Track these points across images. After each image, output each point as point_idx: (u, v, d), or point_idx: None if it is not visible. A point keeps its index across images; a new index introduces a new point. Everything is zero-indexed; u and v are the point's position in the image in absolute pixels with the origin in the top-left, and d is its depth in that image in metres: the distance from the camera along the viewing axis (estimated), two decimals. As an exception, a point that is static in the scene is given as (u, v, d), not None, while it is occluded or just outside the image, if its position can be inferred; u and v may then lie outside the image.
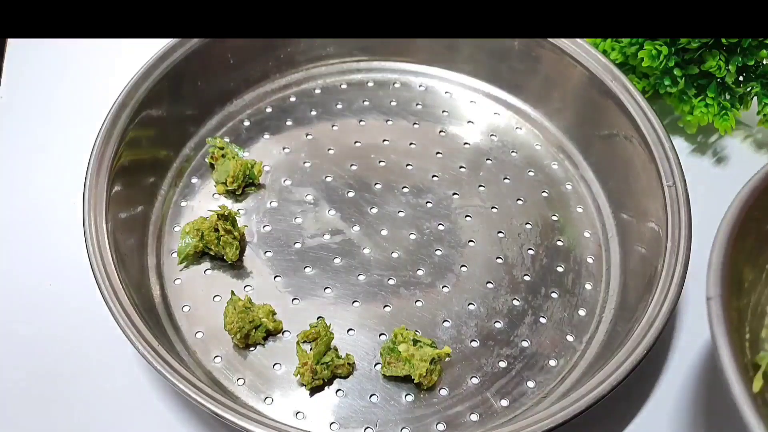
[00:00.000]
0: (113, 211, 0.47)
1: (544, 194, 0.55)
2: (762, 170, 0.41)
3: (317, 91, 0.60)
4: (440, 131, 0.58)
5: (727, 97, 0.55)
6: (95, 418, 0.44)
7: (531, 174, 0.56)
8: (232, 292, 0.47)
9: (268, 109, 0.58)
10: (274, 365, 0.46)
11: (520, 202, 0.54)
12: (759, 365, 0.39)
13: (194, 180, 0.54)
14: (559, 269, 0.51)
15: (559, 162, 0.56)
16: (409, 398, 0.45)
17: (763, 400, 0.38)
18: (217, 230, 0.49)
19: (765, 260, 0.42)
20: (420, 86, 0.60)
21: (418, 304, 0.49)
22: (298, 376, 0.45)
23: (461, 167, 0.56)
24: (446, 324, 0.48)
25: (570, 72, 0.55)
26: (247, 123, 0.58)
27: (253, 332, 0.46)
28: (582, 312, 0.49)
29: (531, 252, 0.51)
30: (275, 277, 0.50)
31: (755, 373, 0.38)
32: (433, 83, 0.60)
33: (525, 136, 0.58)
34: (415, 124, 0.58)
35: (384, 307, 0.48)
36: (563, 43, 0.54)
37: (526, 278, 0.50)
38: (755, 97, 0.55)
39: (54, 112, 0.58)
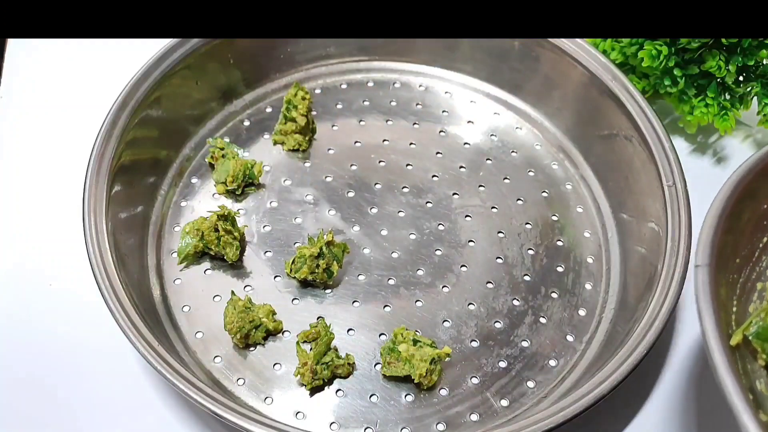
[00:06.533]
0: (113, 211, 0.47)
1: (544, 194, 0.55)
2: (762, 150, 0.41)
3: (317, 91, 0.60)
4: (440, 131, 0.58)
5: (727, 97, 0.55)
6: (95, 417, 0.44)
7: (531, 174, 0.56)
8: (232, 292, 0.47)
9: (268, 109, 0.58)
10: (274, 365, 0.46)
11: (520, 202, 0.54)
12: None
13: (194, 180, 0.54)
14: (559, 269, 0.51)
15: (559, 162, 0.56)
16: (409, 398, 0.45)
17: (743, 369, 0.38)
18: (217, 230, 0.49)
19: (758, 239, 0.42)
20: (420, 86, 0.60)
21: (418, 304, 0.49)
22: (298, 376, 0.45)
23: (461, 167, 0.56)
24: (446, 324, 0.48)
25: (570, 72, 0.55)
26: (247, 123, 0.58)
27: (253, 332, 0.46)
28: (582, 312, 0.49)
29: (531, 252, 0.51)
30: (275, 277, 0.50)
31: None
32: (433, 83, 0.60)
33: (525, 136, 0.58)
34: (415, 124, 0.58)
35: (384, 307, 0.48)
36: (563, 43, 0.54)
37: (526, 278, 0.50)
38: (755, 97, 0.55)
39: (54, 112, 0.58)
